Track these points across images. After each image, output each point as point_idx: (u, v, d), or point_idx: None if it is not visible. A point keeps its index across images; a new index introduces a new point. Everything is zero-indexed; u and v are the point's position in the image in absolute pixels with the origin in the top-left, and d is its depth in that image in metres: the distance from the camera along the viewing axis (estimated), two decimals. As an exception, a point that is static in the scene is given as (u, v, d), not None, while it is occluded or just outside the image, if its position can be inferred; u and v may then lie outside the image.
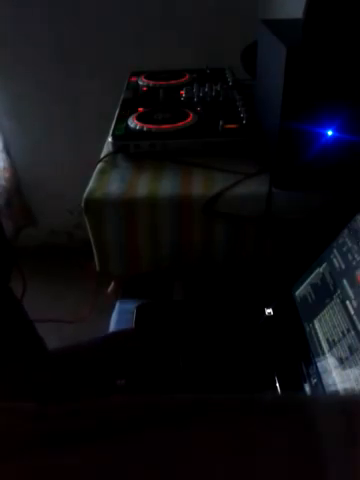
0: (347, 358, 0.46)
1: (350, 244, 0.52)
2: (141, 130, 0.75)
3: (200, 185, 0.65)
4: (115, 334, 0.59)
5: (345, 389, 0.45)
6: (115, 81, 1.02)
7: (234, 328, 0.59)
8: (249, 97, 0.85)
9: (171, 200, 0.64)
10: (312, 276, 0.56)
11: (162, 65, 1.05)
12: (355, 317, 0.47)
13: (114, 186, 0.66)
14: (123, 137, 0.73)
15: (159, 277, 0.70)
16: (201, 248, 0.67)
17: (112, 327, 0.66)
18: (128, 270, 0.70)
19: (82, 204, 0.65)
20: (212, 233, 0.66)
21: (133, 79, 1.00)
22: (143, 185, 0.66)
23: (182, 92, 0.90)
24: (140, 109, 0.83)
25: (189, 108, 0.82)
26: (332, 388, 0.47)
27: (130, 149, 0.72)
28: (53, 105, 1.55)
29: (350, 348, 0.46)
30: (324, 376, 0.49)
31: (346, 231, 0.53)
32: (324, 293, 0.53)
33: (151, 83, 0.96)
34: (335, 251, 0.54)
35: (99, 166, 0.71)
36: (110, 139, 0.73)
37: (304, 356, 0.52)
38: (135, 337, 0.56)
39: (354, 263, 0.50)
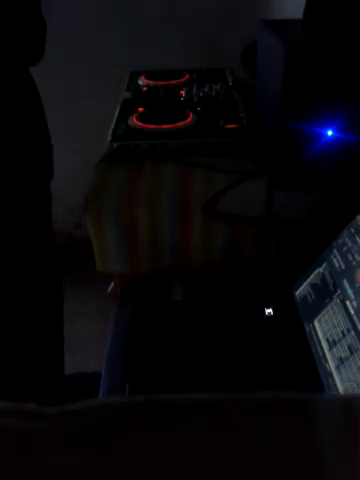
0: (347, 358, 0.46)
1: (350, 244, 0.52)
2: (141, 130, 0.75)
3: (200, 185, 0.65)
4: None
5: (345, 389, 0.45)
6: (115, 81, 1.02)
7: (234, 328, 0.59)
8: (249, 97, 0.85)
9: (171, 200, 0.64)
10: (312, 276, 0.56)
11: (162, 65, 1.05)
12: (355, 317, 0.47)
13: (114, 186, 0.66)
14: (123, 137, 0.73)
15: (158, 277, 0.70)
16: (201, 248, 0.67)
17: (111, 327, 0.66)
18: (128, 270, 0.70)
19: (82, 204, 0.65)
20: (212, 233, 0.66)
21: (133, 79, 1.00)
22: (143, 185, 0.66)
23: (182, 92, 0.90)
24: (140, 109, 0.83)
25: (189, 108, 0.82)
26: (332, 388, 0.47)
27: (130, 149, 0.72)
28: (53, 105, 1.55)
29: (350, 348, 0.46)
30: (324, 376, 0.49)
31: (346, 231, 0.53)
32: (324, 293, 0.53)
33: (151, 83, 0.96)
34: (335, 251, 0.54)
35: (99, 166, 0.71)
36: (110, 139, 0.73)
37: (304, 356, 0.52)
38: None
39: (354, 263, 0.50)
